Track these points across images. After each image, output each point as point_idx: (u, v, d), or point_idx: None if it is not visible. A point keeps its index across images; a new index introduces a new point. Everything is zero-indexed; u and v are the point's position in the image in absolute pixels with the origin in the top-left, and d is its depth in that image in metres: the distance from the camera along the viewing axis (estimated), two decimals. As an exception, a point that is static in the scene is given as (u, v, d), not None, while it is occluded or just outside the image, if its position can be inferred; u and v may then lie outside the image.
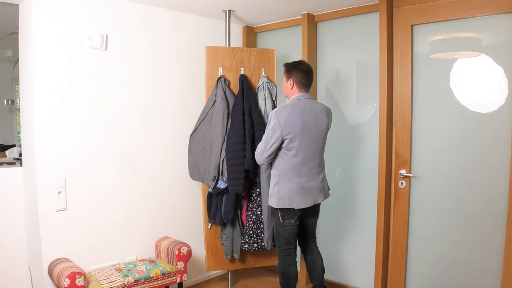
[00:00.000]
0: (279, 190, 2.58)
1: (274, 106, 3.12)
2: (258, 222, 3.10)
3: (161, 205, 3.23)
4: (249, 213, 3.12)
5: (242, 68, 3.17)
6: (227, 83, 3.10)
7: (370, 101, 3.12)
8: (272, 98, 3.14)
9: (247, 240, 3.09)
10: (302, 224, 2.73)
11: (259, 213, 3.10)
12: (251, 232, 3.09)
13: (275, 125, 2.51)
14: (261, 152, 2.58)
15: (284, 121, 2.50)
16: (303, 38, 3.34)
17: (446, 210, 2.77)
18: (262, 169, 2.94)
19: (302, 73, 2.63)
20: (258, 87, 3.15)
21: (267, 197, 2.75)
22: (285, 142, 2.53)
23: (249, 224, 3.10)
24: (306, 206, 2.59)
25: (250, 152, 2.92)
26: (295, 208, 2.57)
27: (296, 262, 2.74)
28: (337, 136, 3.33)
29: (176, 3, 3.08)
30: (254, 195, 3.13)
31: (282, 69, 2.74)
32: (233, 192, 3.01)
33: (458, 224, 2.73)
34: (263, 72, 3.20)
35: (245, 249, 3.11)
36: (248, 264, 3.33)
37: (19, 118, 2.96)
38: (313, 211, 2.72)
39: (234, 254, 3.18)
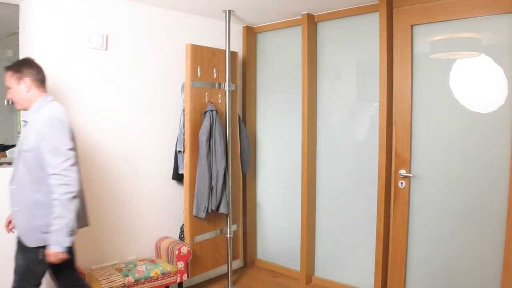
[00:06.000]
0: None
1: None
2: None
3: (161, 205, 3.23)
4: None
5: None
6: None
7: (370, 101, 3.12)
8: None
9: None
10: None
11: None
12: None
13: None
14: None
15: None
16: (303, 38, 3.34)
17: (446, 210, 2.78)
18: None
19: (37, 67, 2.11)
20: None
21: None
22: None
23: None
24: None
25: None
26: None
27: None
28: (337, 136, 3.33)
29: (176, 3, 3.08)
30: None
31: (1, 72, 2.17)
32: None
33: (458, 224, 2.73)
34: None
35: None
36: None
37: (19, 118, 2.96)
38: None
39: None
